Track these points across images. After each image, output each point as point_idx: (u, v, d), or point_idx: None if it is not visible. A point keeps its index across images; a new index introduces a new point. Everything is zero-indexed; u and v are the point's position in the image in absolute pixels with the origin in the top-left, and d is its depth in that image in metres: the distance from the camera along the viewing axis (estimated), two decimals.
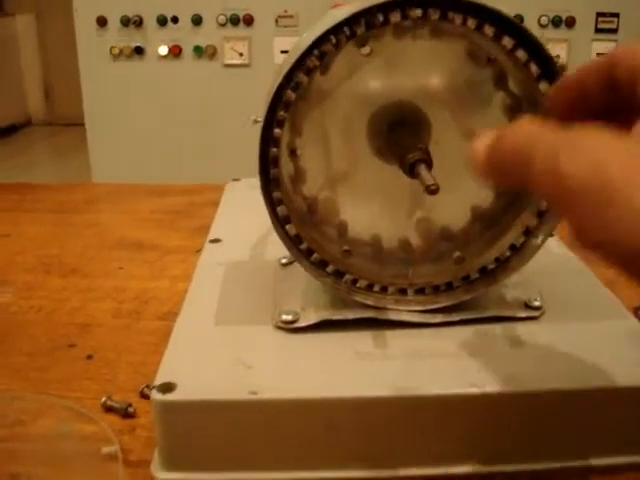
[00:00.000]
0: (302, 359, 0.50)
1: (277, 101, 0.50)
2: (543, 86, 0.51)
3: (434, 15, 0.48)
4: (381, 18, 0.48)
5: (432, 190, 0.48)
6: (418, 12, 0.48)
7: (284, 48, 2.33)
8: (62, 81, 5.24)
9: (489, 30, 0.49)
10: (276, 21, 2.34)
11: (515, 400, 0.48)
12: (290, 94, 0.50)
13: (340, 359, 0.50)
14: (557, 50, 2.23)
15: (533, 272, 0.57)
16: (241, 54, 2.38)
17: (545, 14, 2.20)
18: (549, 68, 0.50)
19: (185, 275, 0.79)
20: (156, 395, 0.46)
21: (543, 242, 0.54)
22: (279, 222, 0.53)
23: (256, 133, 0.51)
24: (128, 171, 2.48)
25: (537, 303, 0.56)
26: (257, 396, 0.46)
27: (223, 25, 2.36)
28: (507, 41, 0.50)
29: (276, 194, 0.52)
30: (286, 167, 0.54)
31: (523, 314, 0.55)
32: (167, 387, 0.46)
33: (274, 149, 0.51)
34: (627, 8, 2.25)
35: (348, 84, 0.54)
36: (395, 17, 0.48)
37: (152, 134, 2.49)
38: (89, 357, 0.66)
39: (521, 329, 0.54)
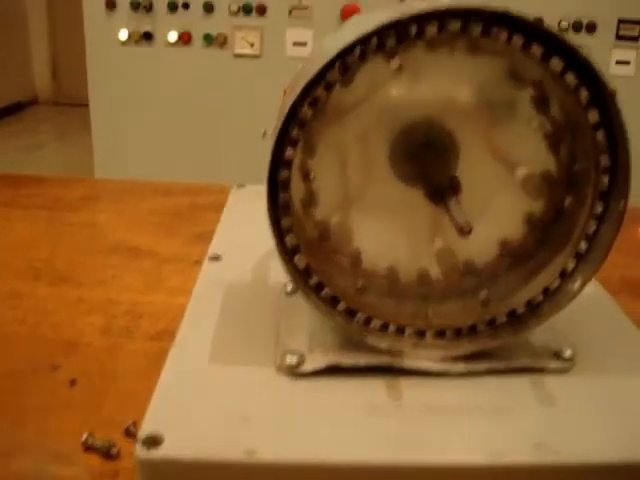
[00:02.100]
0: (307, 412, 0.44)
1: (291, 118, 0.44)
2: (592, 115, 0.45)
3: (475, 30, 0.42)
4: (415, 30, 0.43)
5: (465, 231, 0.42)
6: (457, 25, 0.42)
7: (297, 40, 2.27)
8: (70, 61, 5.18)
9: (537, 50, 0.43)
10: (290, 12, 2.28)
11: (545, 474, 0.42)
12: (306, 111, 0.44)
13: (350, 413, 0.44)
14: None
15: (564, 314, 0.51)
16: (252, 44, 2.32)
17: (565, 18, 2.14)
18: (601, 94, 0.45)
19: (182, 289, 0.73)
20: (140, 451, 0.40)
21: (581, 288, 0.49)
22: (287, 253, 0.47)
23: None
24: (132, 159, 2.42)
25: (568, 353, 0.50)
26: (254, 456, 0.40)
27: (235, 13, 2.30)
28: (556, 63, 0.44)
29: (285, 221, 0.46)
30: (297, 190, 0.48)
31: (553, 365, 0.49)
32: (153, 441, 0.41)
33: (285, 171, 0.45)
34: None
35: (371, 98, 0.48)
36: (431, 30, 0.42)
37: (158, 123, 2.43)
38: (73, 382, 0.60)
39: (550, 383, 0.48)
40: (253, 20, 2.30)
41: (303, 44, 2.26)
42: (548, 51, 0.44)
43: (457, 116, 0.49)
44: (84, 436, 0.53)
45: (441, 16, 0.42)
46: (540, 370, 0.49)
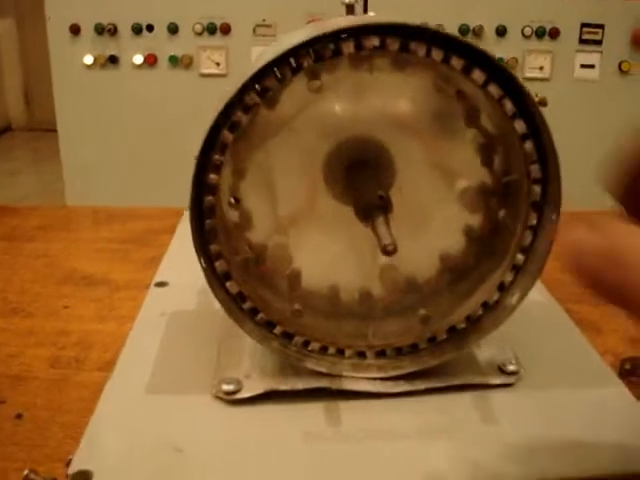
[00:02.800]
0: (243, 441, 0.43)
1: (211, 142, 0.43)
2: (519, 125, 0.45)
3: (393, 45, 0.42)
4: (332, 48, 0.42)
5: (388, 251, 0.42)
6: (375, 41, 0.42)
7: None
8: (43, 86, 5.13)
9: (457, 63, 0.43)
10: (254, 30, 2.27)
11: None
12: (227, 135, 0.43)
13: (286, 441, 0.43)
14: (540, 61, 2.17)
15: (510, 326, 0.50)
16: (218, 64, 2.31)
17: (529, 25, 2.14)
18: (525, 105, 0.44)
19: (133, 316, 0.72)
20: None
21: (519, 302, 0.48)
22: (217, 280, 0.46)
23: None
24: (102, 182, 2.41)
25: (512, 367, 0.49)
26: None
27: (200, 34, 2.29)
28: (478, 75, 0.43)
29: (214, 247, 0.45)
30: (229, 213, 0.48)
31: (497, 381, 0.49)
32: (83, 478, 0.40)
33: (209, 197, 0.44)
34: (612, 19, 2.19)
35: (300, 118, 0.47)
36: (348, 48, 0.42)
37: (127, 145, 2.42)
38: (18, 416, 0.59)
39: (495, 399, 0.48)
40: (218, 40, 2.29)
41: None
42: (469, 64, 0.43)
43: (390, 131, 0.48)
44: (25, 472, 0.51)
45: (357, 33, 0.41)
46: (484, 386, 0.48)
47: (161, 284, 0.64)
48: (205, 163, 0.43)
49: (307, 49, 0.42)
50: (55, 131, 2.53)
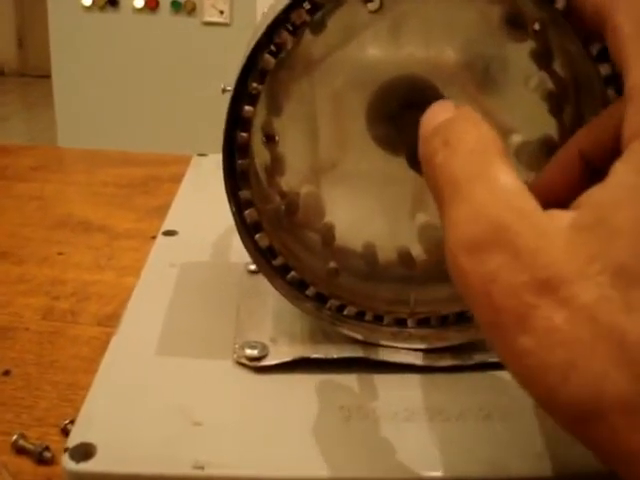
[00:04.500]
0: (268, 415, 0.38)
1: (250, 68, 0.37)
2: (604, 69, 0.39)
3: None
4: None
5: None
6: None
7: None
8: (36, 32, 5.05)
9: None
10: None
11: None
12: (268, 59, 0.37)
13: (318, 418, 0.37)
14: None
15: None
16: (222, 12, 2.23)
17: None
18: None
19: (135, 267, 0.66)
20: (68, 463, 0.34)
21: None
22: (247, 230, 0.40)
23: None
24: (96, 130, 2.34)
25: None
26: (204, 472, 0.34)
27: None
28: (562, 4, 0.37)
29: (244, 193, 0.39)
30: (260, 155, 0.42)
31: None
32: (84, 452, 0.34)
33: (243, 134, 0.38)
34: None
35: (346, 50, 0.41)
36: None
37: (123, 92, 2.35)
38: (6, 373, 0.53)
39: None
40: None
41: None
42: None
43: (444, 73, 0.42)
44: (14, 437, 0.46)
45: None
46: None
47: (170, 233, 0.58)
48: (241, 93, 0.37)
49: None
50: (48, 77, 2.46)
